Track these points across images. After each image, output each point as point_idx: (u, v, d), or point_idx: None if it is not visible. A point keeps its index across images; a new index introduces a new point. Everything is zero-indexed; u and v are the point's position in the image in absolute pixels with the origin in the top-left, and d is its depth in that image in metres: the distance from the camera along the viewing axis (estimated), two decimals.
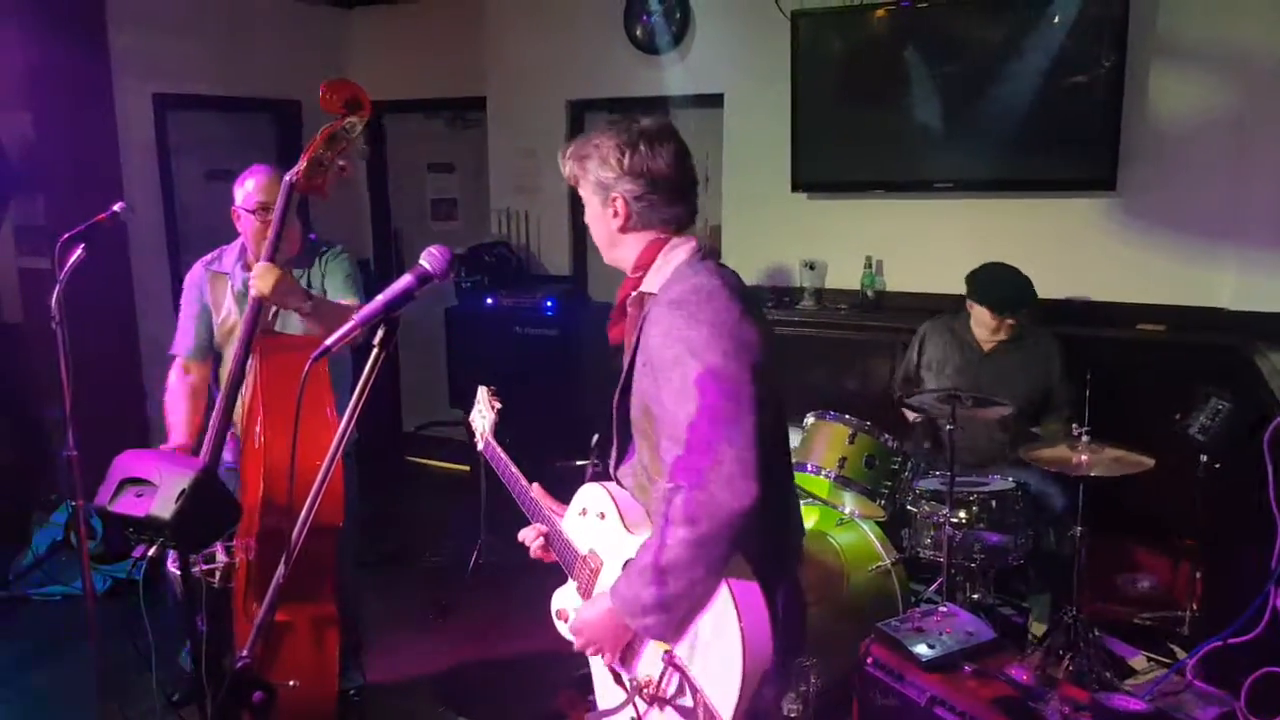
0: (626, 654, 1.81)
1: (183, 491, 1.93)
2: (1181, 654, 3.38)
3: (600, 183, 1.82)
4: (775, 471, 1.75)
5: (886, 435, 3.54)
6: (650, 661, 1.74)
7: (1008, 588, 3.75)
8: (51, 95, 4.55)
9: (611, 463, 1.95)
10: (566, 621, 1.92)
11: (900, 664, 2.72)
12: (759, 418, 1.62)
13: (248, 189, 2.97)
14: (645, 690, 1.73)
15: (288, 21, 5.83)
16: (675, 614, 1.66)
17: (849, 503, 3.71)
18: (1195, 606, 3.62)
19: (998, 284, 3.79)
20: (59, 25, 4.54)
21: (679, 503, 1.60)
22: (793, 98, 4.70)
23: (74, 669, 3.61)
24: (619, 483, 1.92)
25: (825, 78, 4.67)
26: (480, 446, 2.28)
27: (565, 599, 1.99)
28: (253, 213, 2.95)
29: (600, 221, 1.87)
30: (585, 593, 1.90)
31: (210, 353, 3.12)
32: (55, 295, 2.78)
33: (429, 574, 4.57)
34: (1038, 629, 3.54)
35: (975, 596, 3.48)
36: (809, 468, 3.53)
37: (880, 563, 3.42)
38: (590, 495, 1.93)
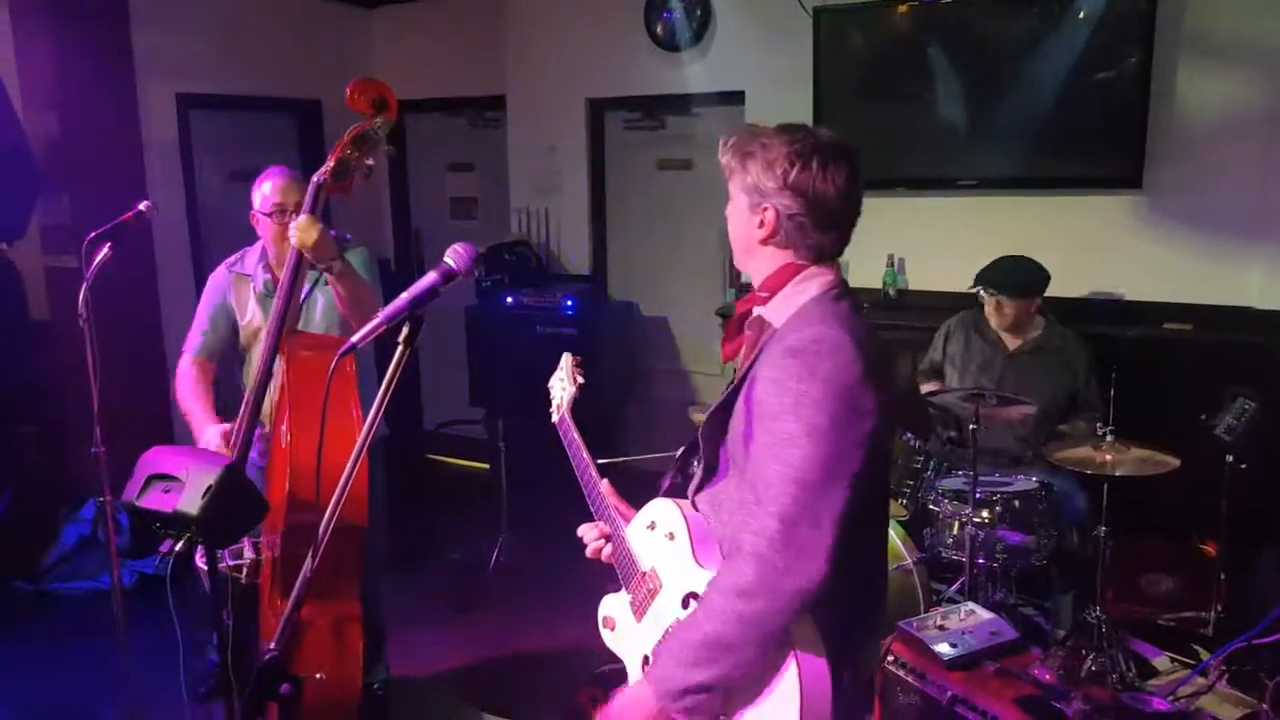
0: None
1: (209, 487, 1.94)
2: (1205, 655, 3.35)
3: (756, 187, 1.66)
4: (867, 549, 1.65)
5: (908, 434, 3.52)
6: None
7: (1030, 588, 3.73)
8: (77, 95, 4.60)
9: (692, 485, 1.82)
10: (613, 630, 1.86)
11: (922, 663, 2.71)
12: (853, 493, 1.49)
13: (265, 192, 2.98)
14: None
15: (309, 21, 5.87)
16: (719, 694, 1.54)
17: None
18: (1220, 607, 3.59)
19: (1002, 268, 3.80)
20: (84, 26, 4.59)
21: (733, 570, 1.50)
22: (814, 95, 4.69)
23: (101, 663, 3.66)
24: (694, 506, 1.79)
25: (847, 74, 4.65)
26: (555, 418, 2.16)
27: (616, 608, 1.88)
28: (270, 215, 2.96)
29: (743, 224, 1.71)
30: (639, 611, 1.79)
31: (218, 353, 3.14)
32: (82, 293, 2.80)
33: (450, 571, 4.59)
34: (1060, 629, 3.52)
35: (997, 596, 3.46)
36: None
37: (902, 561, 3.40)
38: (663, 511, 1.80)
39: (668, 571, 1.74)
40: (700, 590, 1.61)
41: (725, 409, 1.69)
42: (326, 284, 2.95)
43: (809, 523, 1.46)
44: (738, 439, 1.65)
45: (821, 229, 1.66)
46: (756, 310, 1.69)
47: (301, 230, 2.61)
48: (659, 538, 1.77)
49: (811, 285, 1.66)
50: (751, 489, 1.54)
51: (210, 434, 2.88)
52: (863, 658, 1.72)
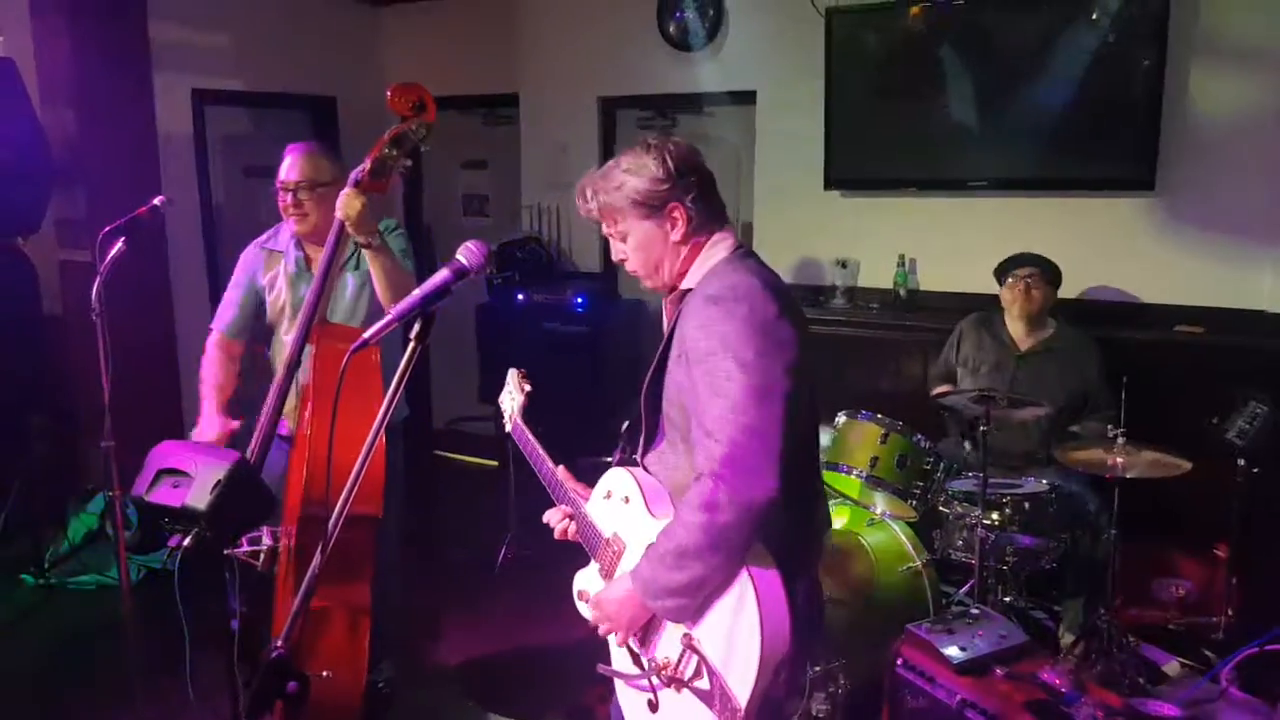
0: (645, 635, 1.83)
1: (218, 483, 1.96)
2: (1217, 660, 3.33)
3: (651, 198, 1.79)
4: (802, 468, 1.78)
5: (919, 435, 3.51)
6: (669, 643, 1.77)
7: (1040, 591, 3.72)
8: (93, 91, 4.62)
9: (639, 449, 1.97)
10: (587, 602, 1.94)
11: (931, 666, 2.70)
12: (787, 414, 1.64)
13: (280, 170, 3.05)
14: (663, 671, 1.75)
15: (323, 19, 5.88)
16: (694, 598, 1.68)
17: (880, 503, 3.69)
18: (1231, 612, 3.57)
19: (1016, 255, 3.91)
20: (101, 22, 4.61)
21: (701, 490, 1.63)
22: (826, 95, 4.67)
23: (109, 657, 3.67)
24: (645, 469, 1.94)
25: (859, 75, 4.64)
26: (508, 428, 2.30)
27: (587, 580, 2.02)
28: (278, 191, 3.04)
29: (654, 243, 1.83)
30: (607, 575, 1.93)
31: (247, 332, 3.19)
32: (96, 288, 2.81)
33: (458, 568, 4.59)
34: (1070, 633, 3.50)
35: (1007, 599, 3.44)
36: (841, 467, 3.51)
37: (911, 564, 3.39)
38: (616, 479, 1.95)
39: (628, 531, 1.89)
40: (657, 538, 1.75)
41: (658, 374, 1.86)
42: (357, 267, 3.01)
43: (755, 442, 1.61)
44: (672, 400, 1.81)
45: (712, 191, 1.84)
46: (680, 288, 1.85)
47: (346, 201, 2.68)
48: (616, 503, 1.93)
49: (718, 249, 1.83)
50: (700, 425, 1.68)
51: (208, 429, 2.96)
52: (813, 576, 1.90)
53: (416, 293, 1.47)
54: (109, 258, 2.81)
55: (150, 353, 4.71)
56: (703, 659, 1.69)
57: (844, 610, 3.11)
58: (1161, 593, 3.80)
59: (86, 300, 2.82)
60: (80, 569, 4.45)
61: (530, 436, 2.21)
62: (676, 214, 1.79)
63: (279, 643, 1.45)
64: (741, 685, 1.63)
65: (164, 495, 2.01)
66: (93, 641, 3.89)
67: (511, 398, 2.35)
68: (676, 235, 1.81)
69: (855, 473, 3.48)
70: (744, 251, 1.84)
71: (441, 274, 1.51)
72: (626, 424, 2.05)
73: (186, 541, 2.02)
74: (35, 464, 4.56)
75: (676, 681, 1.73)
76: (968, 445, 3.86)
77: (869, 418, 3.54)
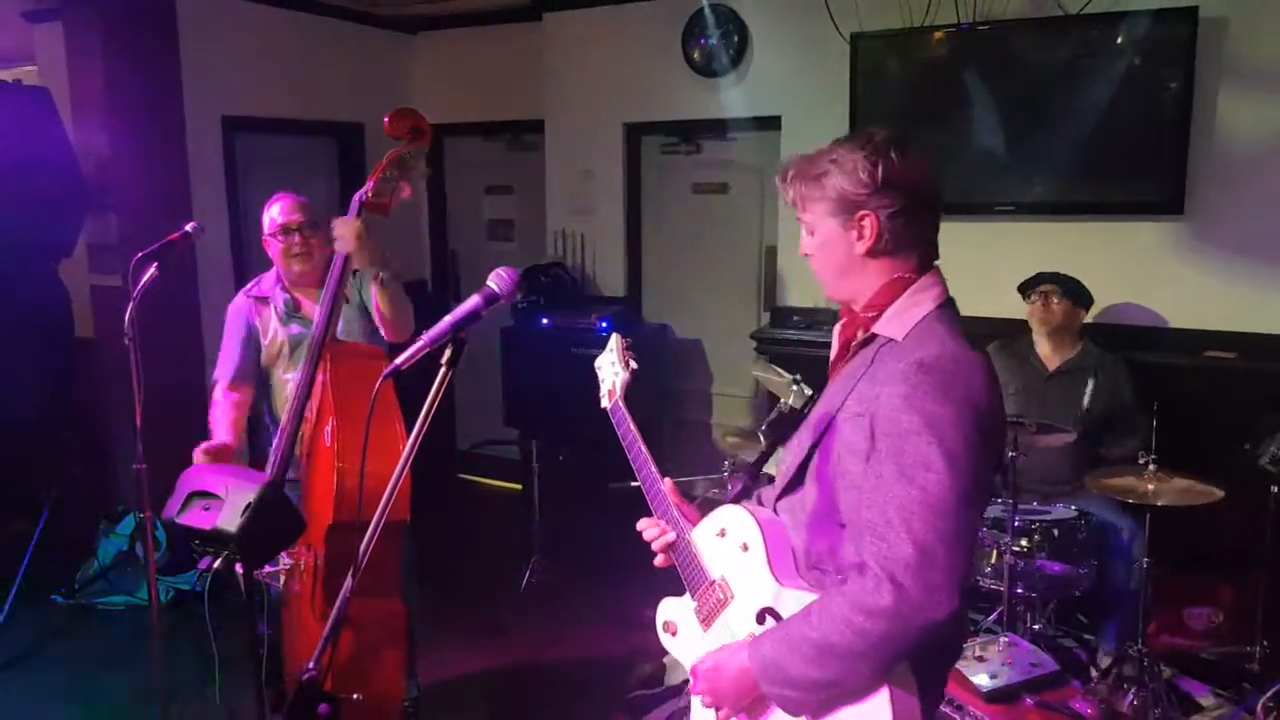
0: (750, 712, 1.65)
1: (248, 505, 1.97)
2: (1252, 692, 3.27)
3: (845, 199, 1.58)
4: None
5: None
6: None
7: (1070, 619, 3.67)
8: (126, 117, 4.70)
9: (773, 492, 1.77)
10: (674, 636, 1.81)
11: (960, 694, 2.68)
12: (978, 519, 1.46)
13: (272, 215, 3.15)
14: None
15: (352, 46, 5.96)
16: (821, 696, 1.50)
17: None
18: (1266, 643, 3.51)
19: (1038, 273, 3.93)
20: (135, 49, 4.70)
21: (870, 590, 1.43)
22: (851, 120, 4.68)
23: (138, 678, 3.70)
24: (775, 511, 1.73)
25: (884, 100, 4.65)
26: (607, 404, 2.08)
27: (678, 613, 1.83)
28: (275, 236, 3.13)
29: (836, 247, 1.63)
30: (706, 620, 1.75)
31: (253, 378, 3.24)
32: (129, 313, 2.85)
33: (481, 591, 4.59)
34: (1102, 662, 3.45)
35: (1036, 627, 3.40)
36: None
37: None
38: (734, 519, 1.73)
39: (740, 583, 1.69)
40: (777, 607, 1.59)
41: (824, 422, 1.62)
42: (348, 301, 3.09)
43: (944, 552, 1.40)
44: (838, 454, 1.58)
45: (921, 221, 1.61)
46: (866, 332, 1.62)
47: (353, 230, 2.77)
48: (731, 546, 1.71)
49: (925, 298, 1.61)
50: (877, 509, 1.47)
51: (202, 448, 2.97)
52: (944, 684, 1.68)
53: (448, 319, 1.48)
54: (141, 283, 2.85)
55: (180, 377, 4.75)
56: None
57: None
58: (1194, 621, 3.75)
59: (118, 324, 2.86)
60: (110, 590, 4.49)
61: (633, 426, 1.99)
62: (866, 223, 1.59)
63: (310, 665, 1.45)
64: None
65: (195, 518, 2.03)
66: (122, 662, 3.91)
67: (614, 369, 2.10)
68: (862, 248, 1.60)
69: None
70: (953, 310, 1.63)
71: (473, 300, 1.52)
72: (753, 459, 1.88)
73: (217, 563, 2.04)
74: (67, 486, 4.61)
75: None
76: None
77: None
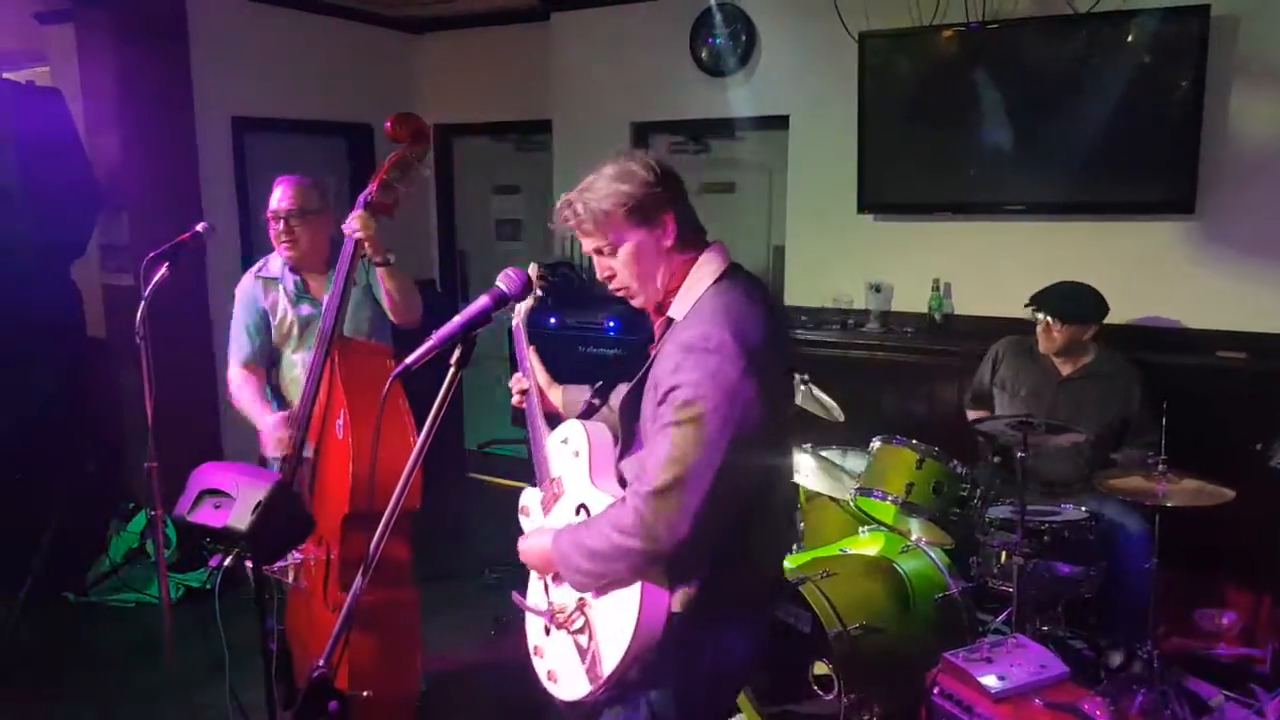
0: (555, 578, 2.03)
1: (259, 504, 1.98)
2: (1263, 694, 3.26)
3: (639, 206, 1.82)
4: (751, 519, 1.85)
5: (955, 461, 3.47)
6: (568, 594, 1.98)
7: (1079, 620, 3.65)
8: (138, 117, 4.72)
9: (616, 454, 2.06)
10: (527, 516, 2.24)
11: (969, 694, 2.67)
12: (719, 476, 1.71)
13: (271, 200, 3.20)
14: (558, 615, 1.99)
15: (361, 47, 5.98)
16: (594, 583, 1.86)
17: (916, 529, 3.65)
18: (1277, 644, 3.49)
19: (1058, 293, 3.76)
20: (146, 50, 4.72)
21: (621, 513, 1.76)
22: (859, 119, 4.68)
23: (148, 675, 3.71)
24: (620, 473, 2.02)
25: (892, 99, 4.64)
26: (512, 323, 2.47)
27: (531, 500, 2.25)
28: (269, 219, 3.18)
29: (648, 251, 1.86)
30: (546, 507, 2.15)
31: (266, 358, 3.28)
32: (140, 312, 2.87)
33: (487, 590, 4.59)
34: (1111, 664, 3.44)
35: (1045, 628, 3.39)
36: (875, 493, 3.47)
37: (947, 591, 3.35)
38: (574, 431, 2.10)
39: (570, 482, 2.09)
40: (589, 503, 1.97)
41: (637, 391, 1.94)
42: (356, 283, 3.13)
43: (677, 497, 1.70)
44: (647, 416, 1.87)
45: (688, 205, 1.90)
46: (669, 313, 1.89)
47: (363, 221, 2.87)
48: (568, 452, 2.11)
49: (705, 271, 1.87)
50: (646, 454, 1.79)
51: (270, 421, 3.04)
52: (732, 612, 1.93)
53: (458, 319, 1.49)
54: (153, 283, 2.86)
55: (191, 376, 4.78)
56: (588, 622, 1.91)
57: (879, 637, 3.08)
58: (1205, 623, 3.73)
59: (129, 323, 2.88)
60: (121, 587, 4.51)
61: (526, 341, 2.41)
62: (668, 219, 1.84)
63: (320, 663, 1.46)
64: (610, 656, 1.84)
65: (206, 516, 2.04)
66: (133, 659, 3.93)
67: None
68: (669, 240, 1.85)
69: (891, 498, 3.45)
70: (730, 279, 1.87)
71: (482, 300, 1.53)
72: (599, 384, 2.23)
73: (227, 561, 2.04)
74: (78, 483, 4.63)
75: (564, 626, 1.96)
76: (997, 463, 3.81)
77: (904, 443, 3.51)
